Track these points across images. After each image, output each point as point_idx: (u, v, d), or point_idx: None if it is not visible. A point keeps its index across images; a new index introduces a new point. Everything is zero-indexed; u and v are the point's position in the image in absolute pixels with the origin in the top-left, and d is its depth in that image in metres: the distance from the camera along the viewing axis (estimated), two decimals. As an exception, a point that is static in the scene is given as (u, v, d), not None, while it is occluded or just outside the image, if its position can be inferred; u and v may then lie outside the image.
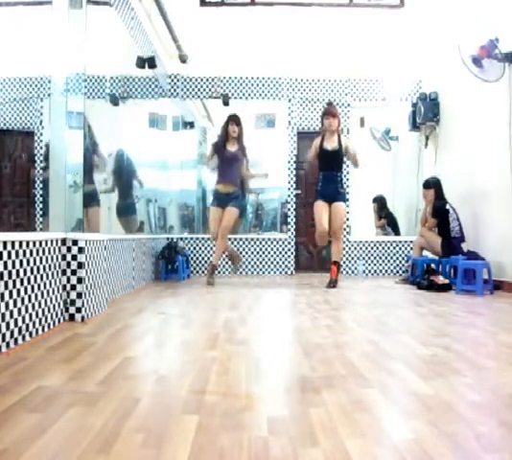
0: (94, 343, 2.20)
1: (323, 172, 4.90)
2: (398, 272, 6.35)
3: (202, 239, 6.38)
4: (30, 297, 2.24)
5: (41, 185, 3.39)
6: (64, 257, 2.67)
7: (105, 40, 3.76)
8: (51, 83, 3.03)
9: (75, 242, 2.69)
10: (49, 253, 2.48)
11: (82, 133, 2.97)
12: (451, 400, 1.46)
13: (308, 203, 6.60)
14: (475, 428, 1.24)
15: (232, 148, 5.08)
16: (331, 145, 4.83)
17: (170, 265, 5.50)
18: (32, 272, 2.27)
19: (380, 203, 6.68)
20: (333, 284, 4.66)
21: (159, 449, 1.10)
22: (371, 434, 1.21)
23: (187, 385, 1.58)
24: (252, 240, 6.38)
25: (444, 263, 4.98)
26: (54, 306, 2.52)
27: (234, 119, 5.07)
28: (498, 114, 4.61)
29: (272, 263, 6.36)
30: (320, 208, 4.79)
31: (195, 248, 6.34)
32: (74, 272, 2.68)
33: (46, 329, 2.41)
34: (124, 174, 4.46)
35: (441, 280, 4.58)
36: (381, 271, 6.41)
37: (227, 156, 5.06)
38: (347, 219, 6.42)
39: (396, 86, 6.50)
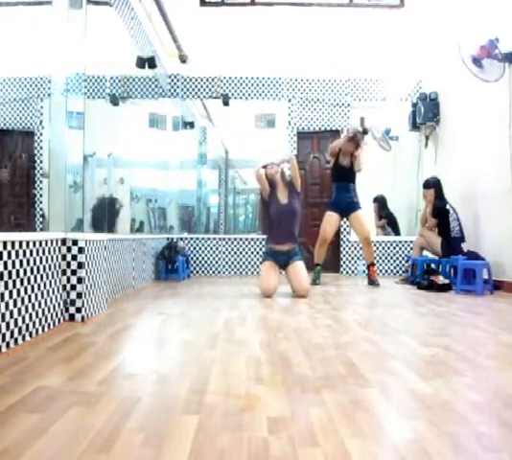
0: (94, 343, 2.20)
1: (337, 183, 5.20)
2: (398, 272, 6.34)
3: (202, 239, 6.38)
4: (30, 297, 2.24)
5: (41, 185, 3.38)
6: (64, 257, 2.67)
7: (105, 40, 3.76)
8: (51, 83, 3.04)
9: (75, 242, 2.68)
10: (49, 253, 2.48)
11: (83, 133, 2.97)
12: (451, 400, 1.46)
13: (308, 203, 6.62)
14: (475, 428, 1.24)
15: (283, 196, 4.23)
16: (345, 161, 5.11)
17: (170, 265, 5.50)
18: (32, 272, 2.27)
19: (380, 203, 6.68)
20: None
21: (159, 449, 1.10)
22: (371, 434, 1.21)
23: (187, 385, 1.58)
24: (252, 240, 6.37)
25: (444, 263, 4.98)
26: (54, 306, 2.52)
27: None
28: (498, 114, 4.61)
29: (272, 263, 6.35)
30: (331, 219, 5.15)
31: (195, 248, 6.34)
32: (74, 272, 2.68)
33: (46, 329, 2.41)
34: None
35: (441, 280, 4.58)
36: (381, 271, 6.41)
37: (280, 209, 4.17)
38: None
39: (396, 86, 6.50)
